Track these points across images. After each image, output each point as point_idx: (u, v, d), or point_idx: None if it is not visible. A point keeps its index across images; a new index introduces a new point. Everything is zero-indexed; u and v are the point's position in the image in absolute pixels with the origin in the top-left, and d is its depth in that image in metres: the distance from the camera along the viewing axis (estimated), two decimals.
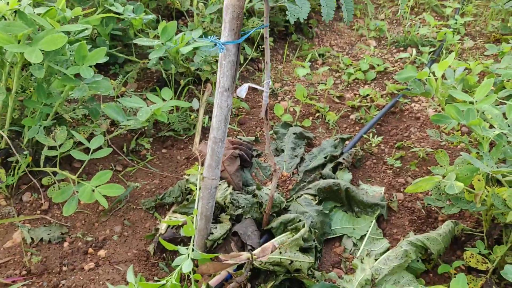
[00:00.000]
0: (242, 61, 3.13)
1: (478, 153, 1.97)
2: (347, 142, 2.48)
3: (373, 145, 2.53)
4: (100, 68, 2.94)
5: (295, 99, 2.96)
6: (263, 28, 1.50)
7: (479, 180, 1.76)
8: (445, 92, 2.34)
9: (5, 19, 1.99)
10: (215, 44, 1.44)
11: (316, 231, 1.89)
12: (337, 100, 2.99)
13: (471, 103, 2.07)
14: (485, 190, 1.75)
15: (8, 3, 1.97)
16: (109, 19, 2.73)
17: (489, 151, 1.84)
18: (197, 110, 2.65)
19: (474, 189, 1.78)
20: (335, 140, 2.43)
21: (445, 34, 3.59)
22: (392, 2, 4.44)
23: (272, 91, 3.06)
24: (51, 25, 1.94)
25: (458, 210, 1.83)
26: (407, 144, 2.57)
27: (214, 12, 3.14)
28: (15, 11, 1.98)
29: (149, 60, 2.51)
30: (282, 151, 2.41)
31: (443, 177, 1.85)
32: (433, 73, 2.42)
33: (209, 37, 1.49)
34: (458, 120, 1.86)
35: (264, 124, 2.60)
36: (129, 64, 2.97)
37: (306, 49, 3.61)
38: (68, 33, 2.13)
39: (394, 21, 4.12)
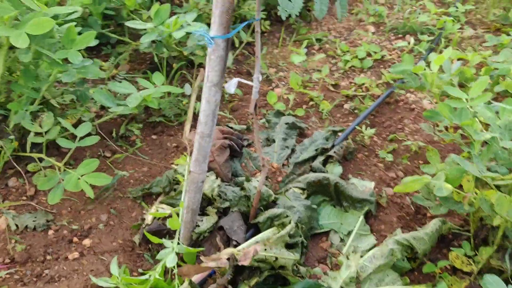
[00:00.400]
0: (237, 45, 3.08)
1: (470, 152, 1.95)
2: (339, 134, 2.45)
3: (366, 137, 2.51)
4: (92, 49, 2.89)
5: (289, 87, 2.92)
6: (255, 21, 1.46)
7: (468, 181, 1.75)
8: (440, 86, 2.31)
9: None
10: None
11: (303, 226, 1.88)
12: (332, 88, 2.95)
13: (466, 100, 2.04)
14: (474, 192, 1.73)
15: None
16: None
17: (482, 148, 1.82)
18: (189, 96, 2.62)
19: (463, 189, 1.77)
20: (327, 132, 2.41)
21: (444, 22, 3.53)
22: None
23: (266, 76, 3.01)
24: (39, 7, 1.89)
25: (446, 210, 1.82)
26: (400, 137, 2.55)
27: None
28: None
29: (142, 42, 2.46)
30: (273, 141, 2.38)
31: (433, 176, 1.84)
32: (429, 64, 2.38)
33: (198, 29, 1.45)
34: (450, 120, 1.84)
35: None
36: (122, 45, 2.92)
37: (304, 33, 3.55)
38: (57, 15, 2.08)
39: (394, 6, 4.05)
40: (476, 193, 1.72)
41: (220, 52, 1.41)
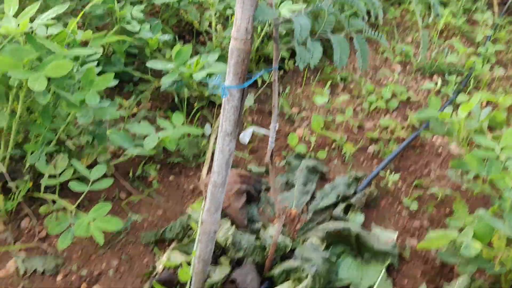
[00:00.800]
0: (259, 85, 3.04)
1: (500, 205, 1.83)
2: (362, 180, 2.36)
3: (390, 183, 2.41)
4: (114, 87, 2.88)
5: (312, 128, 2.85)
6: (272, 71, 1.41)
7: (499, 238, 1.64)
8: (469, 132, 2.21)
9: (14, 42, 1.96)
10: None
11: (321, 279, 1.78)
12: (355, 130, 2.87)
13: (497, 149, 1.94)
14: (506, 251, 1.62)
15: (18, 25, 1.92)
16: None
17: None
18: (209, 136, 2.57)
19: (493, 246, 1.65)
20: (349, 178, 2.32)
21: (474, 62, 3.44)
22: None
23: (289, 116, 2.96)
24: (60, 50, 1.89)
25: (475, 269, 1.71)
26: (426, 183, 2.44)
27: None
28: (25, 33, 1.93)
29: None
30: (293, 185, 2.31)
31: (460, 230, 1.74)
32: (457, 107, 2.28)
33: (213, 78, 1.41)
34: (479, 172, 1.73)
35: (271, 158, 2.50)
36: (144, 82, 2.91)
37: (328, 72, 3.50)
38: (77, 57, 2.08)
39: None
40: (509, 254, 1.60)
41: (234, 102, 1.36)
